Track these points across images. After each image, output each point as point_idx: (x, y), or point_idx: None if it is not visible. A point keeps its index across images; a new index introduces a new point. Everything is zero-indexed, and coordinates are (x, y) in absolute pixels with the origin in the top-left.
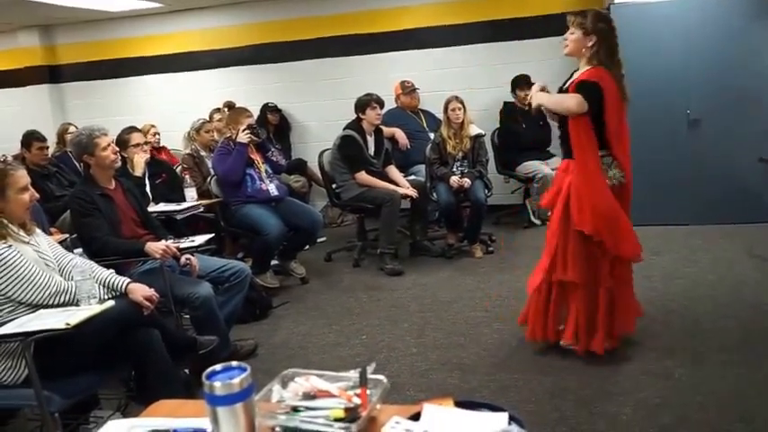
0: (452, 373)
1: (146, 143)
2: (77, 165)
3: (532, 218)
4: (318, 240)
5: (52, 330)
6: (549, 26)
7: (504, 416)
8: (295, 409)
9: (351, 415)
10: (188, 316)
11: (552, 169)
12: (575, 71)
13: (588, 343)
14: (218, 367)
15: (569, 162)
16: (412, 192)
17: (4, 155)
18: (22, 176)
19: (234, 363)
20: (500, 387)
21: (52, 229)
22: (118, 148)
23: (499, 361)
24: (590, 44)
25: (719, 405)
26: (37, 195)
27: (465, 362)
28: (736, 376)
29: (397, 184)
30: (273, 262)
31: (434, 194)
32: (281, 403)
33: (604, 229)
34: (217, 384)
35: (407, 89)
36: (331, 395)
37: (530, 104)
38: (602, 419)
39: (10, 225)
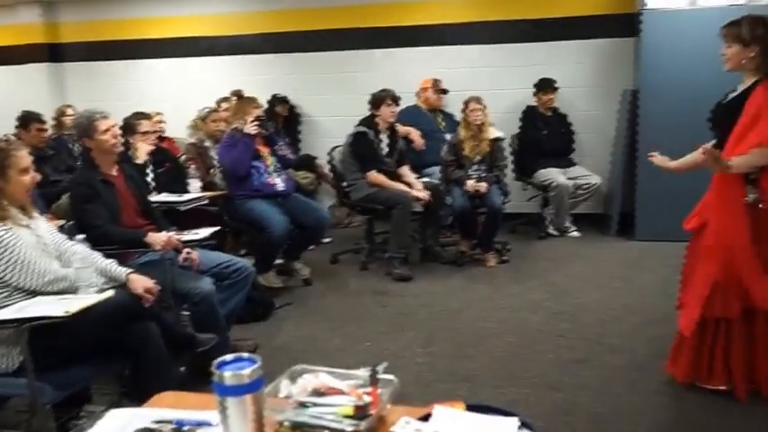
0: (460, 385)
1: (153, 132)
2: (73, 149)
3: (550, 228)
4: (324, 241)
5: (50, 318)
6: (577, 29)
7: (515, 420)
8: (303, 405)
9: (360, 413)
10: (187, 312)
11: (569, 179)
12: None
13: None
14: (228, 357)
15: None
16: (424, 195)
17: (5, 134)
18: (23, 157)
19: (245, 354)
20: (509, 401)
21: (47, 215)
22: (120, 133)
23: (509, 374)
24: (752, 55)
25: (732, 428)
26: (39, 177)
27: (474, 374)
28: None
29: (409, 186)
30: (277, 261)
31: (449, 198)
32: (288, 399)
33: None
34: (227, 374)
35: (438, 88)
36: (340, 392)
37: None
38: None
39: (10, 207)
